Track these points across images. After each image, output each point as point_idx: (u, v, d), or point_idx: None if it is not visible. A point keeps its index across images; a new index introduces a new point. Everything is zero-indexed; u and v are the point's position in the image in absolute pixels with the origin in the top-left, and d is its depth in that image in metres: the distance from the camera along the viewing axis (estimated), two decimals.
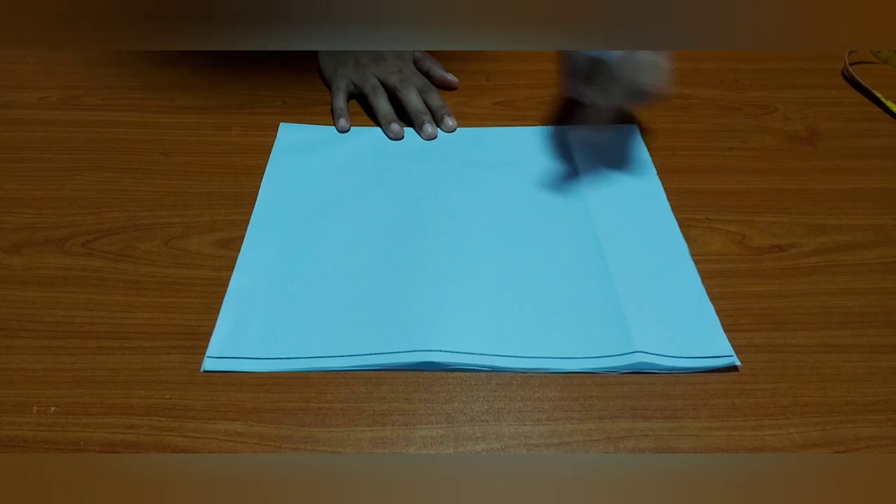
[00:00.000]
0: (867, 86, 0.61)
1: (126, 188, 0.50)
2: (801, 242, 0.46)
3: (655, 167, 0.52)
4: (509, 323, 0.40)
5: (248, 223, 0.46)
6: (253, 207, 0.48)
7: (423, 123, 0.55)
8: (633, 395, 0.37)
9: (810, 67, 0.65)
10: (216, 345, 0.39)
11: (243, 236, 0.45)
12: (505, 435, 0.35)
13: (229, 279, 0.42)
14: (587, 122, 0.51)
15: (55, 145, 0.54)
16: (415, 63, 0.61)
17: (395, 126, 0.55)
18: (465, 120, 0.57)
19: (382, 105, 0.56)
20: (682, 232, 0.46)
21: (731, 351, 0.39)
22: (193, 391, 0.37)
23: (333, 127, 0.56)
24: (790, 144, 0.55)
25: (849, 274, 0.44)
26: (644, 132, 0.56)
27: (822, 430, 0.36)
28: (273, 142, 0.54)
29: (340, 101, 0.57)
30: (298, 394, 0.37)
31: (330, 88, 0.59)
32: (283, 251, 0.45)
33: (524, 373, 0.38)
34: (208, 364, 0.38)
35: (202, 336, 0.39)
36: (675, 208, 0.48)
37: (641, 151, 0.54)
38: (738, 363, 0.38)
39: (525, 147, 0.54)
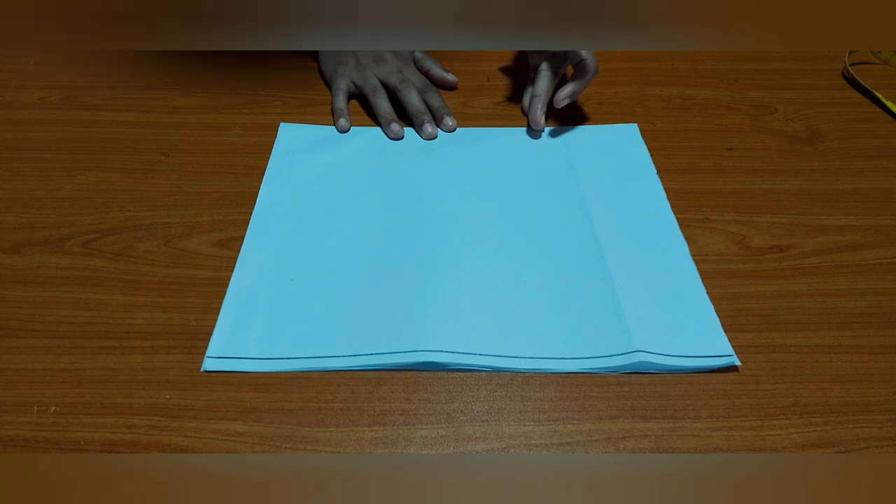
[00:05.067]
0: (867, 86, 0.61)
1: (126, 188, 0.50)
2: (801, 243, 0.46)
3: (655, 167, 0.52)
4: (509, 323, 0.40)
5: (248, 223, 0.46)
6: (253, 207, 0.48)
7: (423, 123, 0.55)
8: (633, 395, 0.37)
9: (810, 67, 0.65)
10: (216, 345, 0.39)
11: (243, 236, 0.45)
12: (505, 435, 0.35)
13: (229, 279, 0.42)
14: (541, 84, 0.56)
15: (55, 145, 0.54)
16: (415, 63, 0.61)
17: (395, 126, 0.55)
18: (465, 120, 0.57)
19: (382, 105, 0.56)
20: (682, 232, 0.46)
21: (731, 351, 0.39)
22: (193, 391, 0.37)
23: (333, 127, 0.56)
24: (790, 145, 0.55)
25: (849, 274, 0.44)
26: (644, 132, 0.56)
27: (822, 430, 0.36)
28: (273, 142, 0.54)
29: (340, 101, 0.57)
30: (298, 394, 0.37)
31: (330, 88, 0.59)
32: (283, 251, 0.45)
33: (524, 373, 0.38)
34: (208, 364, 0.38)
35: (202, 336, 0.39)
36: (675, 208, 0.48)
37: (641, 151, 0.54)
38: (738, 363, 0.38)
39: (525, 147, 0.54)
